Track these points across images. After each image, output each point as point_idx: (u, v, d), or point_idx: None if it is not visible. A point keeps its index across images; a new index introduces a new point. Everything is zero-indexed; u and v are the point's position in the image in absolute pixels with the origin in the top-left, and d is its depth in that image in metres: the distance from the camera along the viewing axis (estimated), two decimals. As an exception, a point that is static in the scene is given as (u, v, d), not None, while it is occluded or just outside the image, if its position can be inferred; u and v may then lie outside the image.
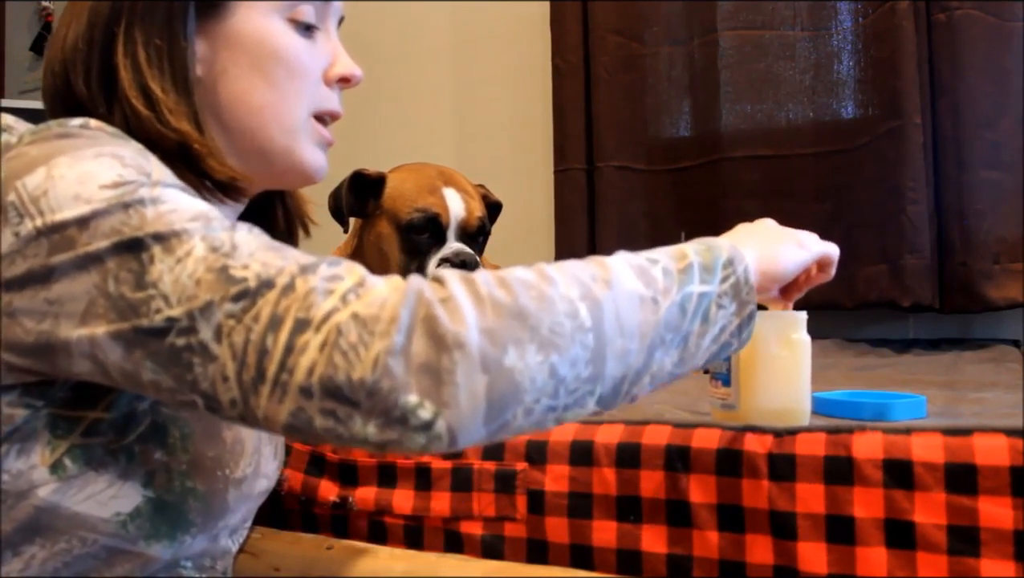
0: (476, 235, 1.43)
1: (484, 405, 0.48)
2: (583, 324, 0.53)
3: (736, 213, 1.98)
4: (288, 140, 0.72)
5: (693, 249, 0.65)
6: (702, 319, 0.62)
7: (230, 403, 0.51)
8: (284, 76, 0.70)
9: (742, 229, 0.76)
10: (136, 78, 0.66)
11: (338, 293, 0.50)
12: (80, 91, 0.67)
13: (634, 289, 0.57)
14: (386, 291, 0.50)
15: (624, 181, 2.05)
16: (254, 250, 0.53)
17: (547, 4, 2.16)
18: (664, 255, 0.63)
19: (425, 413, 0.48)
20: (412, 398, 0.47)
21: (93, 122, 0.61)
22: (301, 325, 0.49)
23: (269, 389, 0.49)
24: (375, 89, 2.45)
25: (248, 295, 0.50)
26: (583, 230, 2.08)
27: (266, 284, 0.50)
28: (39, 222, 0.54)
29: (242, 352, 0.49)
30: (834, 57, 1.89)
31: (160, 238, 0.53)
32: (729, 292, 0.64)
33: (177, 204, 0.55)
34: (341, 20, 0.78)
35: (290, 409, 0.49)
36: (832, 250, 0.80)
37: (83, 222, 0.53)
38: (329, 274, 0.51)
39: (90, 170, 0.55)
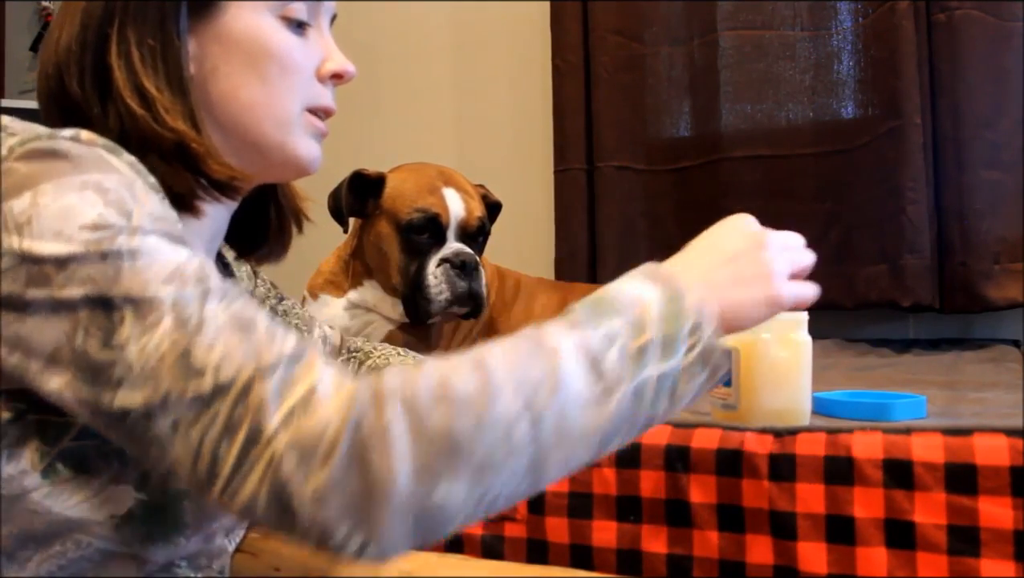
0: (476, 235, 1.44)
1: (412, 534, 0.51)
2: (521, 443, 0.52)
3: (736, 213, 1.98)
4: (282, 134, 0.72)
5: (657, 314, 0.59)
6: (668, 397, 0.59)
7: (187, 484, 0.54)
8: (276, 73, 0.70)
9: (717, 253, 0.67)
10: (131, 78, 0.66)
11: (286, 407, 0.51)
12: (74, 92, 0.67)
13: (581, 390, 0.54)
14: (330, 410, 0.51)
15: (624, 181, 2.05)
16: (221, 327, 0.53)
17: (547, 4, 2.15)
18: (624, 325, 0.58)
19: (356, 542, 0.50)
20: (343, 529, 0.50)
21: (84, 134, 0.60)
22: (252, 438, 0.50)
23: (221, 487, 0.51)
24: (375, 89, 2.46)
25: (203, 399, 0.51)
26: (583, 230, 2.08)
27: (223, 387, 0.51)
28: (20, 248, 0.54)
29: (196, 449, 0.51)
30: (834, 57, 1.89)
31: (132, 301, 0.53)
32: (698, 361, 0.60)
33: (154, 258, 0.55)
34: (334, 18, 0.77)
35: (239, 507, 0.52)
36: (806, 296, 0.70)
37: (60, 263, 0.54)
38: (284, 378, 0.52)
39: (73, 204, 0.55)
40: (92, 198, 0.56)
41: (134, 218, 0.56)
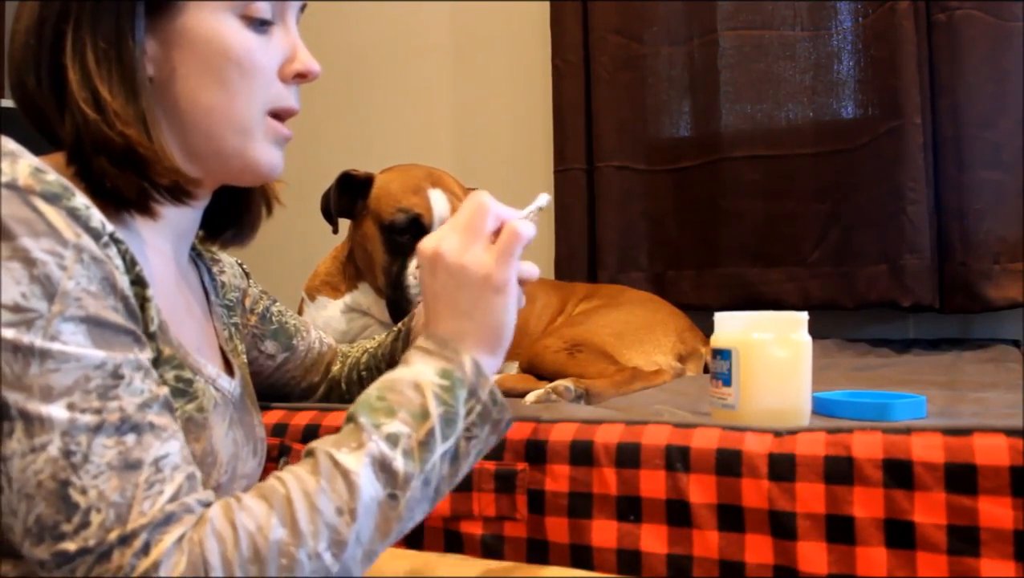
0: None
1: None
2: (328, 569, 0.58)
3: (736, 213, 1.99)
4: (241, 140, 0.71)
5: (434, 395, 0.64)
6: (451, 463, 0.64)
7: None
8: (235, 76, 0.69)
9: (443, 307, 0.69)
10: (85, 81, 0.65)
11: (140, 571, 0.54)
12: (32, 89, 0.66)
13: (375, 497, 0.60)
14: None
15: (624, 181, 2.05)
16: (103, 468, 0.54)
17: (547, 4, 2.16)
18: (407, 415, 0.63)
19: None
20: None
21: (23, 178, 0.56)
22: None
23: None
24: (375, 89, 2.46)
25: (68, 555, 0.53)
26: (583, 230, 2.08)
27: (87, 550, 0.53)
28: None
29: None
30: (834, 57, 1.89)
31: (25, 416, 0.53)
32: (477, 421, 0.65)
33: (63, 361, 0.54)
34: (303, 8, 0.76)
35: None
36: (512, 250, 0.74)
37: None
38: (139, 547, 0.54)
39: None
40: (19, 273, 0.54)
41: (56, 302, 0.55)
